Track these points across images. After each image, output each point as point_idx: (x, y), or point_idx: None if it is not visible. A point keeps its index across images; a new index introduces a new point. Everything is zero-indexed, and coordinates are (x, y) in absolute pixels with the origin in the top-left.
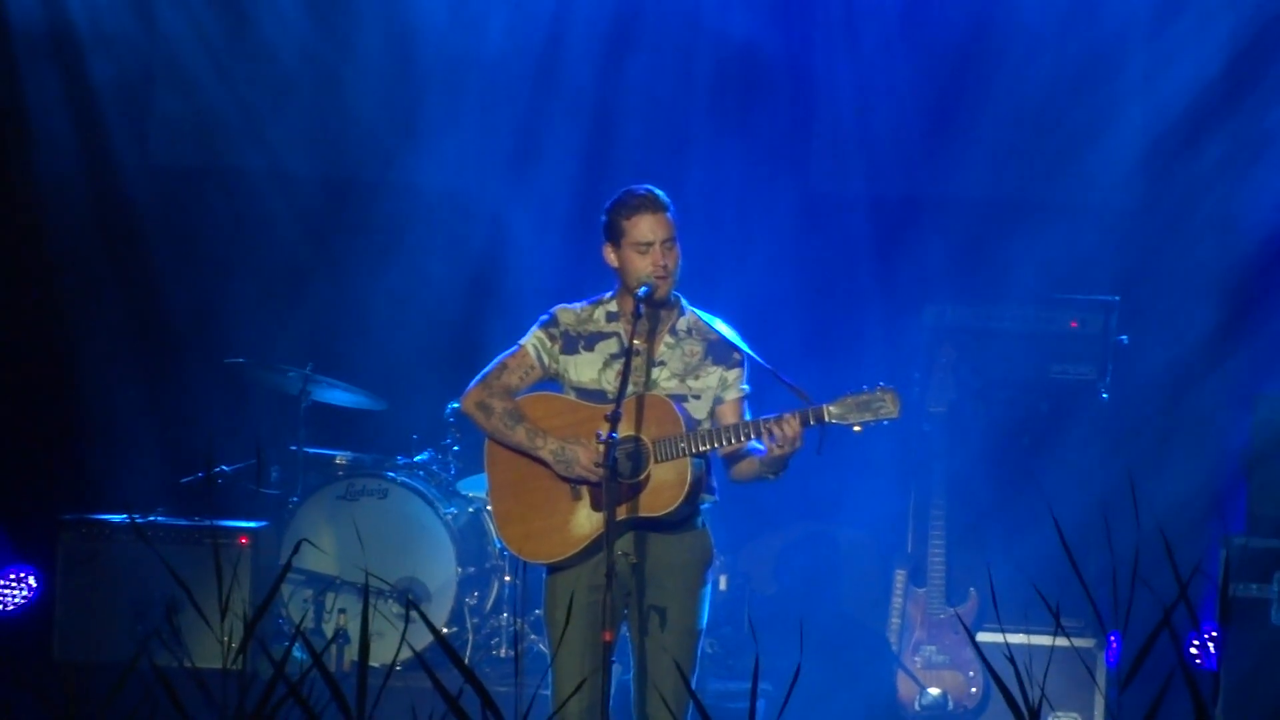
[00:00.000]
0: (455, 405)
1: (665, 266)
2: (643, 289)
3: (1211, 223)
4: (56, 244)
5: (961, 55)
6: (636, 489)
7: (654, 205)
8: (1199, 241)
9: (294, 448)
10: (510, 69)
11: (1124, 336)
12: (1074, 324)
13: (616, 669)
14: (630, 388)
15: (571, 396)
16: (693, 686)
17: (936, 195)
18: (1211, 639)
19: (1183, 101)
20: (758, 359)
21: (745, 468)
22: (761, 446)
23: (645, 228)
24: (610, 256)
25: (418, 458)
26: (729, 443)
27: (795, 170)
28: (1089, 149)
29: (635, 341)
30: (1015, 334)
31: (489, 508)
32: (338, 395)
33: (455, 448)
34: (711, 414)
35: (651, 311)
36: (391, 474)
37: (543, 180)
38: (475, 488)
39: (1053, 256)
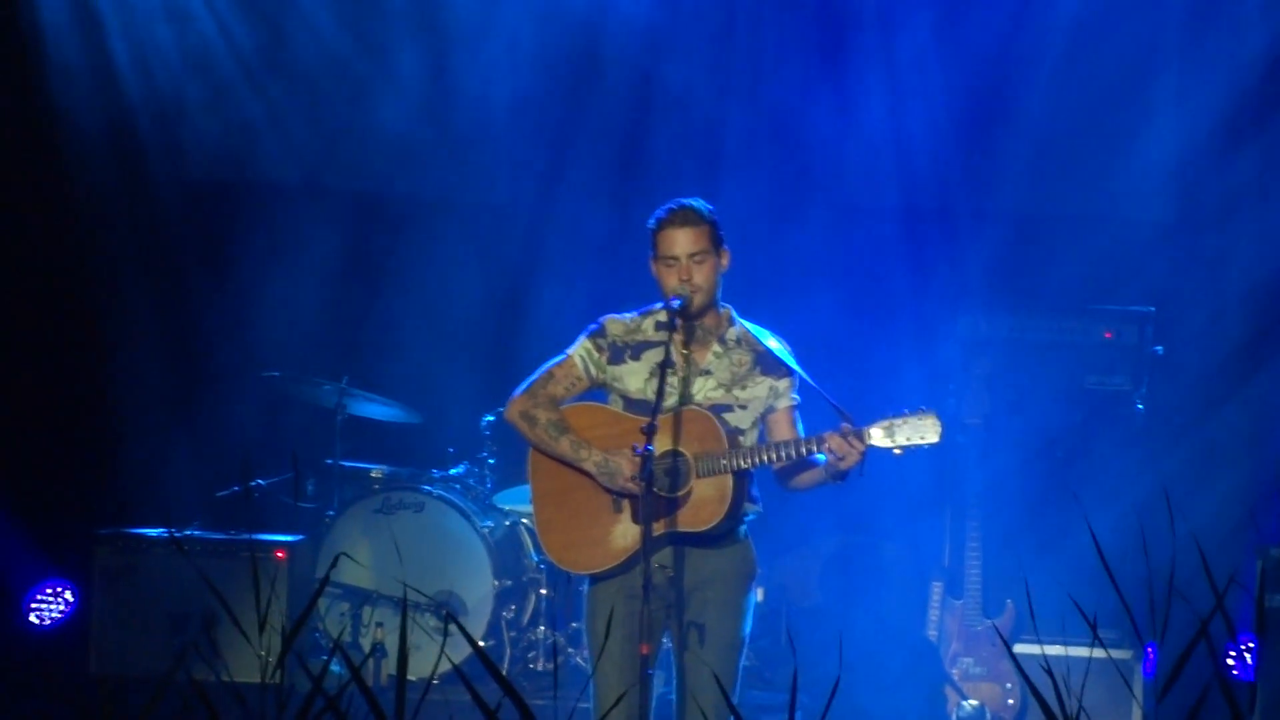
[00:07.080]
0: (490, 418)
1: (690, 282)
2: (676, 300)
3: (1246, 233)
4: (92, 259)
5: (995, 67)
6: (677, 504)
7: (680, 219)
8: (1234, 252)
9: (330, 461)
10: (543, 82)
11: (1159, 347)
12: (1109, 335)
13: (658, 682)
14: (674, 398)
15: (619, 406)
16: (735, 700)
17: (971, 207)
18: (1248, 650)
19: (1217, 113)
20: (806, 377)
21: (809, 477)
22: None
23: (670, 242)
24: (652, 269)
25: (454, 471)
26: (771, 461)
27: (829, 182)
28: (1124, 160)
29: (678, 352)
30: (1050, 345)
31: (525, 519)
32: (373, 408)
33: (491, 461)
34: (757, 424)
35: (687, 323)
36: (428, 487)
37: (575, 194)
38: (512, 501)
39: (1088, 267)
